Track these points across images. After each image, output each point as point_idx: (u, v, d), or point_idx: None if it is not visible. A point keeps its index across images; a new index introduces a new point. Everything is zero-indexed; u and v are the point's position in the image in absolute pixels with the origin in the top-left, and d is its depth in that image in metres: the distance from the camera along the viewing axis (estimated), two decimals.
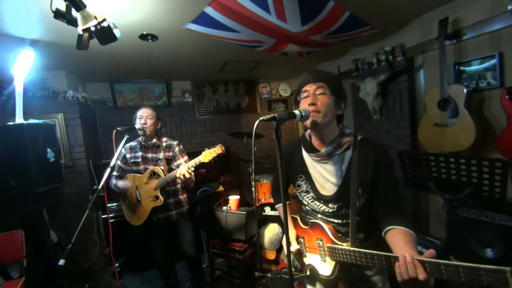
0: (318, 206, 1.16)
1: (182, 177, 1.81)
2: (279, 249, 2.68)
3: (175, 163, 2.08)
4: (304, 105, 1.04)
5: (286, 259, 1.33)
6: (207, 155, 1.80)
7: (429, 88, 2.19)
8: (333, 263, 1.08)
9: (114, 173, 2.10)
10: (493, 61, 1.81)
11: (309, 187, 1.17)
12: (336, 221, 1.13)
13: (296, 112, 0.95)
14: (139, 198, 2.03)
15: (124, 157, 2.11)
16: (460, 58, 1.99)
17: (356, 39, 2.50)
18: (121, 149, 1.87)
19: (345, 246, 1.03)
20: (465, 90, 1.81)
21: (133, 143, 2.13)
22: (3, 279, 2.05)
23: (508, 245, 1.47)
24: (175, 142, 2.14)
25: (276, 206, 1.45)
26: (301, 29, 2.11)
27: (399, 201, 1.02)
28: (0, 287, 1.91)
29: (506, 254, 1.48)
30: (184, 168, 1.81)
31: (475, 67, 1.92)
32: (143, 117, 2.01)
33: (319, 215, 1.18)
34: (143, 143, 2.08)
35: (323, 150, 1.08)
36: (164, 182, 1.91)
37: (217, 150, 1.81)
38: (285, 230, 0.92)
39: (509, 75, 1.76)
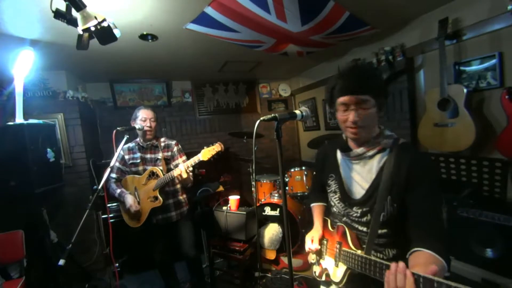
0: (343, 208, 1.10)
1: (179, 176, 1.80)
2: (279, 249, 2.68)
3: (174, 163, 2.07)
4: (342, 119, 0.96)
5: (311, 260, 1.29)
6: (206, 153, 1.79)
7: (429, 88, 2.20)
8: (345, 269, 1.04)
9: (113, 175, 2.07)
10: (493, 61, 1.81)
11: (337, 187, 1.12)
12: (360, 228, 1.03)
13: (297, 112, 0.95)
14: (138, 199, 2.01)
15: (123, 158, 2.09)
16: (460, 58, 2.00)
17: (356, 39, 2.50)
18: (120, 150, 1.86)
19: (359, 252, 0.96)
20: (465, 90, 1.82)
21: (130, 144, 2.10)
22: (3, 279, 2.05)
23: (508, 245, 1.47)
24: (173, 142, 2.13)
25: (312, 205, 1.39)
26: (301, 29, 2.12)
27: (433, 218, 0.86)
28: (0, 287, 1.90)
29: (506, 254, 1.48)
30: (182, 167, 1.80)
31: (475, 67, 1.92)
32: (148, 120, 1.98)
33: (344, 218, 1.11)
34: (141, 144, 2.07)
35: (355, 150, 1.03)
36: (163, 182, 1.90)
37: (216, 147, 1.81)
38: (285, 228, 0.91)
39: (509, 75, 1.77)
